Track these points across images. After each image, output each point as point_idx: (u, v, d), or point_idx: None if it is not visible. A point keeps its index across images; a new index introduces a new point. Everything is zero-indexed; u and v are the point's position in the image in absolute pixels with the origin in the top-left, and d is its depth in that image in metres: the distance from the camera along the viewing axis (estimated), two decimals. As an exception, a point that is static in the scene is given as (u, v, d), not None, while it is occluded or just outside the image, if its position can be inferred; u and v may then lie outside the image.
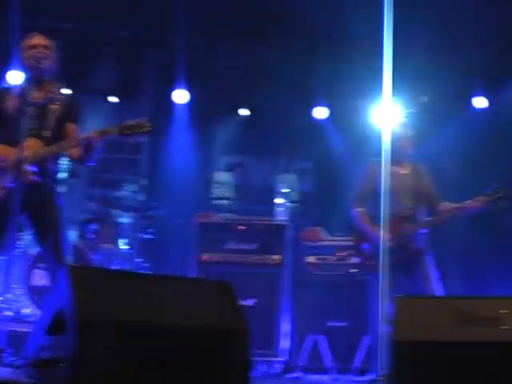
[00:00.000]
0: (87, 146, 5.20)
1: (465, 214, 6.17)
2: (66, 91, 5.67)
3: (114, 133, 5.23)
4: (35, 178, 5.23)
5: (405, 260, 6.14)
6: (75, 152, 5.34)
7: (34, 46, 5.48)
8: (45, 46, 5.52)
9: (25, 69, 5.59)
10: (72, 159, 5.49)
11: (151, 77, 10.48)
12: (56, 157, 5.45)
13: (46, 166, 5.37)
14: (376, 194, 6.23)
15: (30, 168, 5.17)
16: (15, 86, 5.74)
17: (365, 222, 6.24)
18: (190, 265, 7.55)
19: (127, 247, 8.76)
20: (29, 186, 5.09)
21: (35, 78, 5.44)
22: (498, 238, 8.69)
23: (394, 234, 5.99)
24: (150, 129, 5.24)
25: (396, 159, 6.31)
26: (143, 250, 8.80)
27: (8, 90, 5.68)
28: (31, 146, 5.19)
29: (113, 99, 10.20)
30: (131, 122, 5.24)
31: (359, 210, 6.29)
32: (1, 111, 5.48)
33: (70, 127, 5.46)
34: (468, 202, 6.13)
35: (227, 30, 9.57)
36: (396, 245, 5.98)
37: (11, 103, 5.43)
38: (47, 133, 5.37)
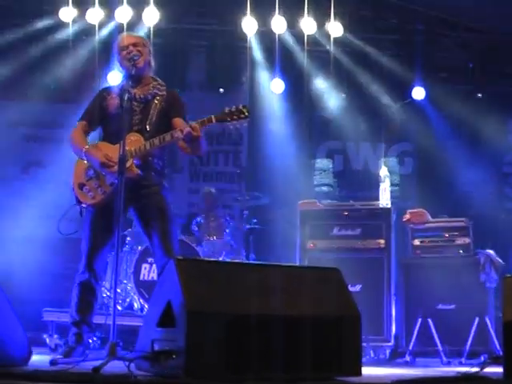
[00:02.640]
0: (190, 138, 5.21)
1: None
2: (164, 86, 5.69)
3: (213, 121, 5.24)
4: (139, 173, 5.30)
5: None
6: (183, 144, 5.38)
7: (125, 47, 5.54)
8: (135, 44, 5.56)
9: (123, 69, 5.67)
10: (183, 151, 5.51)
11: (246, 68, 10.54)
12: (160, 150, 5.50)
13: (149, 160, 5.45)
14: None
15: (134, 162, 5.25)
16: (116, 86, 5.83)
17: None
18: (296, 253, 7.55)
19: (231, 238, 8.82)
20: (133, 180, 5.16)
21: (134, 77, 5.43)
22: None
23: None
24: (248, 114, 5.24)
25: None
26: (248, 241, 8.84)
27: (109, 89, 5.79)
28: (134, 141, 5.27)
29: (212, 91, 10.30)
30: (229, 108, 5.25)
31: None
32: (103, 110, 5.58)
33: (177, 121, 5.48)
34: None
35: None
36: None
37: (113, 102, 5.53)
38: (149, 127, 5.43)
